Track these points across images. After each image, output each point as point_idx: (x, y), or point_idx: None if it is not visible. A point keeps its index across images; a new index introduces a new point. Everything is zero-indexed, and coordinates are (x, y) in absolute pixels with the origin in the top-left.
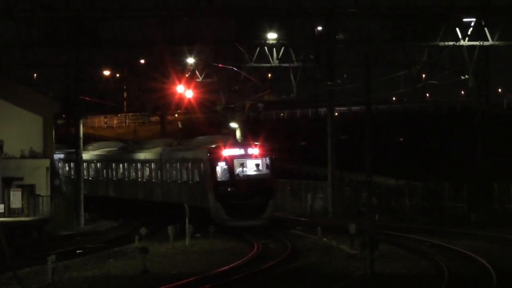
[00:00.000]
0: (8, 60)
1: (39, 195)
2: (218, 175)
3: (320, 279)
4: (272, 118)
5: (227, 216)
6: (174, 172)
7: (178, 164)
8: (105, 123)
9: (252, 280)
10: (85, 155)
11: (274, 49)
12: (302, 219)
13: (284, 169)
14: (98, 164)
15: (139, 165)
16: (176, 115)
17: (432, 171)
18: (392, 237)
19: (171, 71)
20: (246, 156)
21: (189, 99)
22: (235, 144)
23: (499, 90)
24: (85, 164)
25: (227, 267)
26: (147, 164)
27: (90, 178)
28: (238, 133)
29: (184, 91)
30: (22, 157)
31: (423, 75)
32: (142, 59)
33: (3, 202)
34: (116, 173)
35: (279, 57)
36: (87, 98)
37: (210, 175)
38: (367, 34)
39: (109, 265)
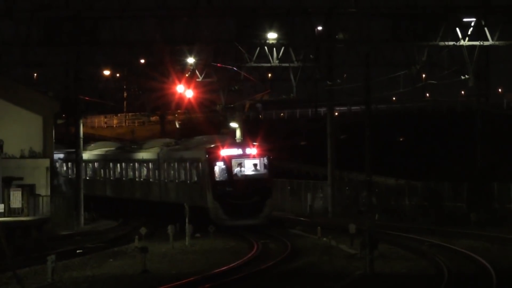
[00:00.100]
0: (8, 60)
1: (39, 195)
2: (216, 175)
3: (320, 279)
4: (272, 117)
5: (225, 215)
6: (172, 172)
7: (176, 164)
8: (105, 123)
9: (252, 279)
10: (84, 155)
11: (274, 49)
12: (302, 218)
13: (284, 168)
14: (96, 163)
15: (136, 164)
16: (176, 115)
17: (432, 171)
18: (392, 237)
19: (171, 71)
20: (244, 156)
21: (189, 99)
22: (233, 144)
23: (499, 90)
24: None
25: (227, 266)
26: (145, 164)
27: (87, 178)
28: (238, 133)
29: (184, 91)
30: (22, 156)
31: (423, 75)
32: (142, 58)
33: (3, 202)
34: (114, 172)
35: (279, 57)
36: (87, 98)
37: (208, 174)
38: (367, 34)
39: (109, 264)
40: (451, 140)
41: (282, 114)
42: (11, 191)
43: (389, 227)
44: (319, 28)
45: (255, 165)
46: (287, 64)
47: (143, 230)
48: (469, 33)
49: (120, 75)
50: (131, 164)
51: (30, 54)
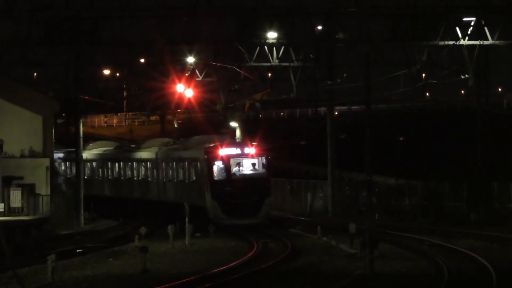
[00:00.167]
0: (8, 59)
1: (39, 194)
2: (215, 174)
3: (320, 279)
4: (272, 117)
5: (224, 214)
6: (170, 171)
7: (174, 163)
8: (105, 122)
9: (252, 279)
10: (83, 154)
11: (274, 48)
12: (302, 218)
13: (284, 168)
14: (94, 163)
15: (135, 164)
16: (175, 115)
17: (432, 170)
18: (392, 237)
19: (171, 70)
20: (243, 155)
21: (189, 98)
22: (232, 143)
23: (499, 90)
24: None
25: (227, 266)
26: (143, 163)
27: (86, 177)
28: (238, 133)
29: (184, 91)
30: (22, 156)
31: (423, 75)
32: (142, 58)
33: (3, 201)
34: (112, 172)
35: (279, 56)
36: (87, 98)
37: (207, 174)
38: (367, 34)
39: (108, 264)
40: (451, 140)
41: (282, 113)
42: (11, 191)
43: (389, 227)
44: (319, 28)
45: (253, 164)
46: (287, 64)
47: (143, 230)
48: (469, 32)
49: (120, 75)
50: (130, 164)
51: (30, 54)
